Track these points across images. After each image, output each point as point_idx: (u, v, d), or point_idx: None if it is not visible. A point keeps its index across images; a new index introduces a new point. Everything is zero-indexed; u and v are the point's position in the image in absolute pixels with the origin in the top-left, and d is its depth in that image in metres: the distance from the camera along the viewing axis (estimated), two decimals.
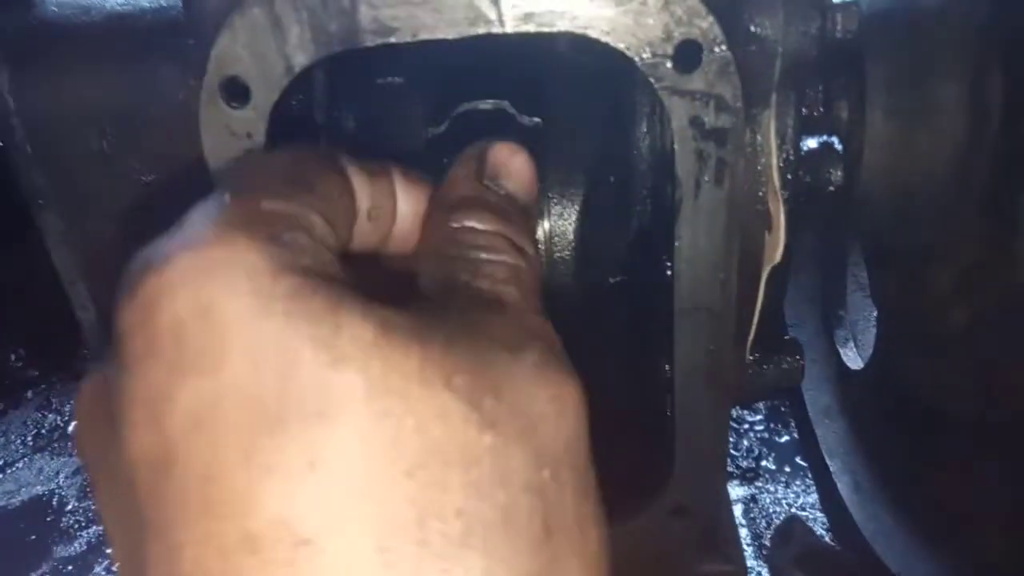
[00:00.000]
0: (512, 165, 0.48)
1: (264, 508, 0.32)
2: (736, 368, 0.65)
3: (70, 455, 1.69)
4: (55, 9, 0.66)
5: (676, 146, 0.51)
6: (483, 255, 0.43)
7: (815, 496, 1.58)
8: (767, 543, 1.48)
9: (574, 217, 0.67)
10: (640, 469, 0.70)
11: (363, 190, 0.44)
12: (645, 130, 0.66)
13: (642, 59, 0.48)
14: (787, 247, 0.58)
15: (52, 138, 0.66)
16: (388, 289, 0.38)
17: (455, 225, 0.44)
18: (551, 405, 0.37)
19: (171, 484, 0.33)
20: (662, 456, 0.67)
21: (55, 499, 1.58)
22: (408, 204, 0.46)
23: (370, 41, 0.49)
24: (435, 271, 0.43)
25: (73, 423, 1.80)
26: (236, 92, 0.51)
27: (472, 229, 0.44)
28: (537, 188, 0.49)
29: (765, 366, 0.68)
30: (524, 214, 0.47)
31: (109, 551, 1.47)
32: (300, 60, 0.50)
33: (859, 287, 1.18)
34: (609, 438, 0.67)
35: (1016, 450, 0.70)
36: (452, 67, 0.67)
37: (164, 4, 0.64)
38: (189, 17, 0.56)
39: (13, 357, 2.00)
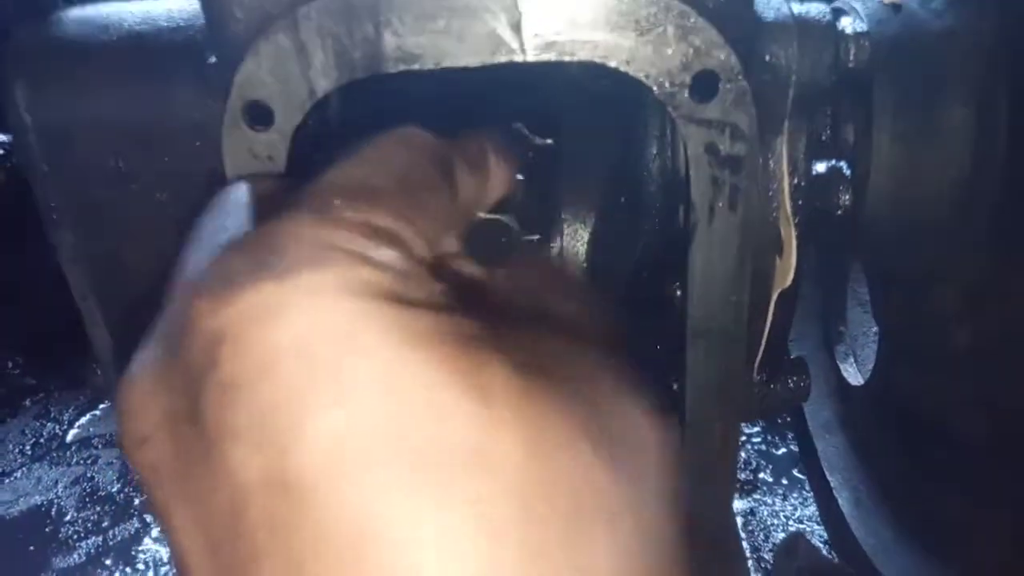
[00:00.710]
0: None
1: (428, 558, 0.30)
2: (745, 387, 0.66)
3: (68, 464, 1.69)
4: (73, 27, 0.66)
5: (691, 172, 0.52)
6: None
7: (813, 509, 1.59)
8: (765, 556, 1.50)
9: (586, 237, 0.68)
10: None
11: (467, 188, 0.44)
12: (655, 152, 0.67)
13: (660, 88, 0.49)
14: (797, 270, 0.59)
15: (68, 155, 0.67)
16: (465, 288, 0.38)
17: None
18: (659, 450, 0.39)
19: (304, 516, 0.30)
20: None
21: (54, 509, 1.58)
22: (500, 178, 0.48)
23: (393, 68, 0.50)
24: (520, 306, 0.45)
25: (72, 433, 1.80)
26: (259, 115, 0.52)
27: None
28: None
29: (773, 386, 0.69)
30: None
31: (108, 562, 1.47)
32: (323, 85, 0.50)
33: (859, 303, 1.20)
34: None
35: (1017, 470, 0.71)
36: (467, 89, 0.68)
37: (182, 23, 0.64)
38: (211, 38, 0.57)
39: (11, 365, 1.99)
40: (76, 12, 0.68)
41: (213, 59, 0.58)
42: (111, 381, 0.79)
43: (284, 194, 0.40)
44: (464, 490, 0.30)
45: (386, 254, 0.35)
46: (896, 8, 0.70)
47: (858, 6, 0.71)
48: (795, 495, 1.70)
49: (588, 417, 0.35)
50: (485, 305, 0.45)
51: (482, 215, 0.55)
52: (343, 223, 0.35)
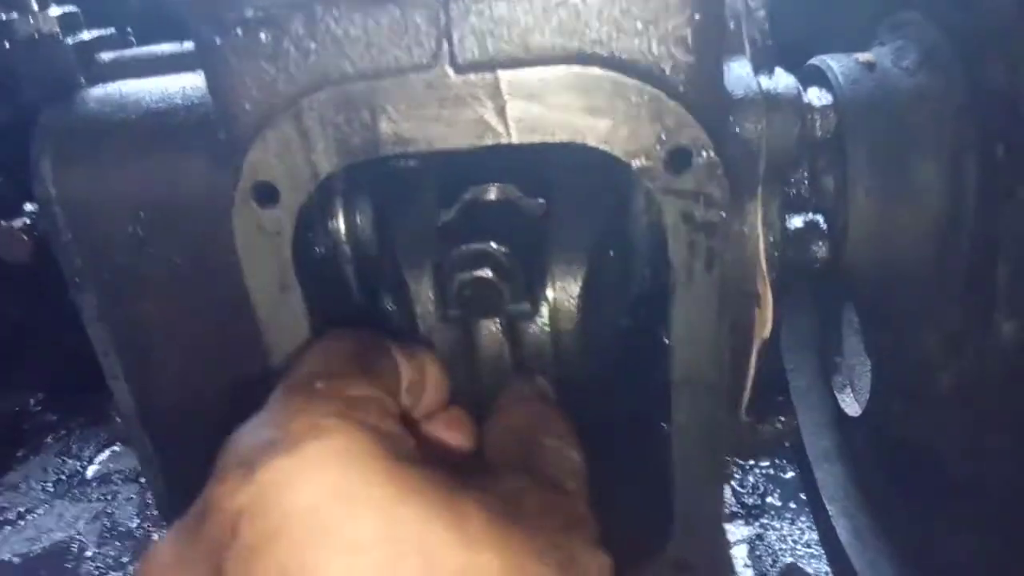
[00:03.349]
0: None
1: None
2: (732, 431, 0.69)
3: (90, 500, 1.73)
4: (95, 106, 0.71)
5: (669, 238, 0.56)
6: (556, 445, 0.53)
7: None
8: None
9: (576, 291, 0.71)
10: (644, 525, 0.74)
11: (404, 369, 0.51)
12: (642, 208, 0.70)
13: (637, 163, 0.53)
14: (775, 321, 0.63)
15: (90, 224, 0.71)
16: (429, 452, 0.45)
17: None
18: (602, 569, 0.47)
19: None
20: (666, 512, 0.71)
21: (75, 545, 1.62)
22: (433, 381, 0.55)
23: (389, 151, 0.54)
24: (508, 450, 0.53)
25: (93, 469, 1.84)
26: (266, 195, 0.56)
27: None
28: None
29: (760, 426, 0.73)
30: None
31: None
32: (325, 168, 0.55)
33: (856, 331, 1.22)
34: (614, 496, 0.71)
35: (1006, 509, 0.73)
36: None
37: (196, 101, 0.69)
38: (221, 120, 0.61)
39: (32, 402, 2.04)
40: (98, 91, 0.72)
41: (223, 135, 0.63)
42: (130, 429, 0.83)
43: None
44: None
45: (370, 416, 0.42)
46: (870, 66, 0.74)
47: (834, 65, 0.74)
48: (803, 519, 1.71)
49: (551, 548, 0.43)
50: (464, 456, 0.54)
51: (471, 274, 0.59)
52: (328, 399, 0.43)
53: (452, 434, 0.55)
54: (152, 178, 0.69)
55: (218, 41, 0.51)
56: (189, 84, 0.70)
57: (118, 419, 0.85)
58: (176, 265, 0.73)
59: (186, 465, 0.85)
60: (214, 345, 0.77)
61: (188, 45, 0.74)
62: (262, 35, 0.50)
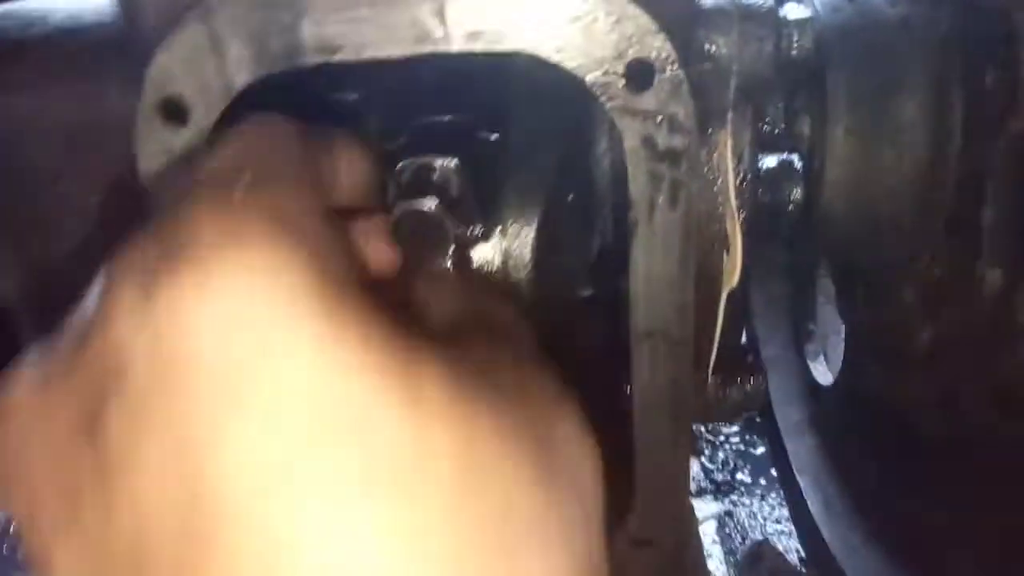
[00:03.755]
0: None
1: None
2: (697, 393, 0.64)
3: None
4: None
5: (629, 167, 0.50)
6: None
7: None
8: (741, 559, 1.48)
9: (532, 234, 0.65)
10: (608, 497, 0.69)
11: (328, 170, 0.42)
12: (606, 147, 0.64)
13: (593, 78, 0.47)
14: (745, 268, 0.57)
15: None
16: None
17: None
18: (594, 471, 0.39)
19: (216, 540, 0.28)
20: (625, 481, 0.66)
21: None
22: (348, 162, 0.46)
23: (313, 59, 0.47)
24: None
25: None
26: (174, 112, 0.49)
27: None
28: None
29: (727, 389, 0.68)
30: None
31: None
32: (241, 79, 0.48)
33: (829, 300, 1.18)
34: None
35: (982, 470, 0.70)
36: (408, 80, 0.66)
37: (108, 20, 0.62)
38: (128, 34, 0.54)
39: None
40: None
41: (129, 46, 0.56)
42: None
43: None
44: (391, 509, 0.29)
45: (306, 226, 0.33)
46: None
47: None
48: (773, 495, 1.68)
49: (525, 430, 0.34)
50: (413, 305, 0.43)
51: (411, 206, 0.53)
52: (248, 202, 0.32)
53: (375, 249, 0.43)
54: (60, 105, 0.62)
55: None
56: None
57: None
58: (92, 204, 0.66)
59: None
60: None
61: None
62: None
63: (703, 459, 1.74)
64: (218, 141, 0.40)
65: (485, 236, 0.60)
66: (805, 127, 0.64)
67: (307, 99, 0.65)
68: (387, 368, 0.30)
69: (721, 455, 1.78)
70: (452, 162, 0.53)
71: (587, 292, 0.70)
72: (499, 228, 0.63)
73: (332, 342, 0.29)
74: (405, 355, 0.31)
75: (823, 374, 1.06)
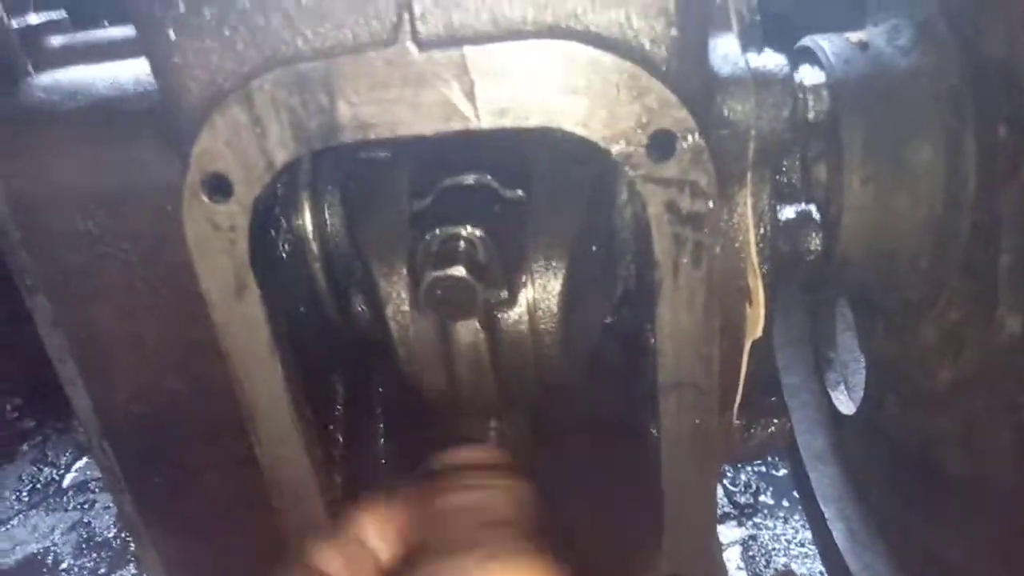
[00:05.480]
0: None
1: None
2: (723, 435, 0.65)
3: (65, 510, 1.68)
4: (42, 95, 0.66)
5: (653, 231, 0.52)
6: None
7: None
8: None
9: (558, 288, 0.67)
10: (636, 536, 0.70)
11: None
12: (626, 199, 0.66)
13: (617, 149, 0.49)
14: (768, 318, 0.59)
15: (39, 221, 0.67)
16: None
17: None
18: None
19: None
20: (657, 523, 0.67)
21: (50, 557, 1.57)
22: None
23: (349, 137, 0.50)
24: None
25: (70, 477, 1.79)
26: (218, 187, 0.52)
27: None
28: None
29: (752, 430, 0.69)
30: None
31: None
32: (281, 157, 0.50)
33: (849, 327, 1.19)
34: (602, 506, 0.67)
35: (1000, 508, 0.70)
36: (437, 141, 0.68)
37: (149, 87, 0.64)
38: (167, 105, 0.57)
39: (9, 407, 1.99)
40: (46, 78, 0.68)
41: (171, 122, 0.59)
42: (91, 438, 0.79)
43: None
44: None
45: None
46: (863, 46, 0.70)
47: (825, 44, 0.70)
48: (796, 517, 1.68)
49: None
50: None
51: (442, 272, 0.55)
52: None
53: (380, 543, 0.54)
54: (103, 171, 0.65)
55: (158, 14, 0.47)
56: (143, 70, 0.65)
57: (80, 428, 0.81)
58: (132, 263, 0.69)
59: (150, 476, 0.82)
60: (178, 348, 0.73)
61: None
62: (205, 8, 0.46)
63: (725, 482, 1.74)
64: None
65: (512, 296, 0.62)
66: (822, 176, 0.65)
67: (341, 155, 0.68)
68: None
69: (743, 477, 1.79)
70: (478, 231, 0.55)
71: (610, 338, 0.72)
72: (526, 281, 0.65)
73: None
74: None
75: (844, 403, 1.07)
